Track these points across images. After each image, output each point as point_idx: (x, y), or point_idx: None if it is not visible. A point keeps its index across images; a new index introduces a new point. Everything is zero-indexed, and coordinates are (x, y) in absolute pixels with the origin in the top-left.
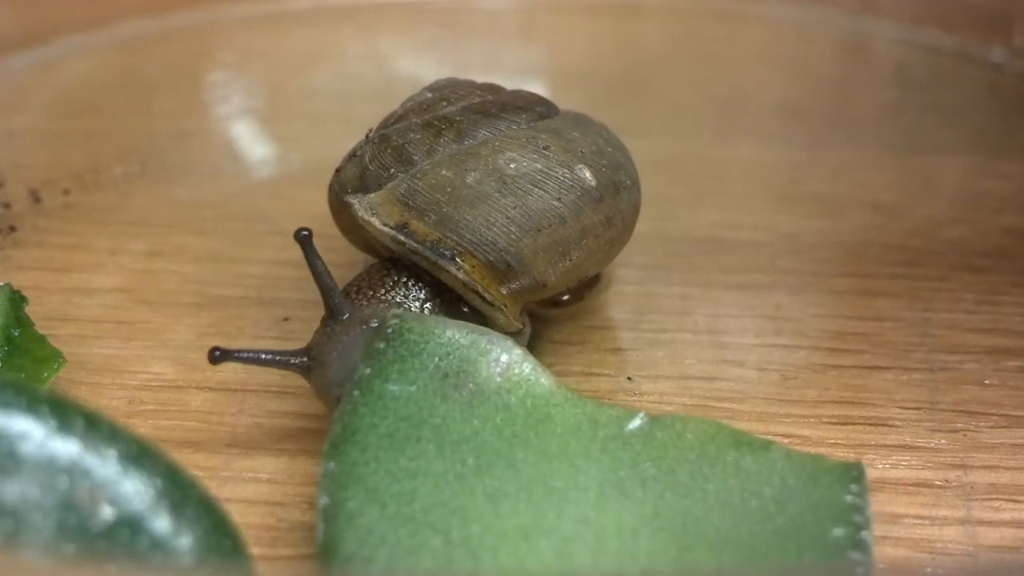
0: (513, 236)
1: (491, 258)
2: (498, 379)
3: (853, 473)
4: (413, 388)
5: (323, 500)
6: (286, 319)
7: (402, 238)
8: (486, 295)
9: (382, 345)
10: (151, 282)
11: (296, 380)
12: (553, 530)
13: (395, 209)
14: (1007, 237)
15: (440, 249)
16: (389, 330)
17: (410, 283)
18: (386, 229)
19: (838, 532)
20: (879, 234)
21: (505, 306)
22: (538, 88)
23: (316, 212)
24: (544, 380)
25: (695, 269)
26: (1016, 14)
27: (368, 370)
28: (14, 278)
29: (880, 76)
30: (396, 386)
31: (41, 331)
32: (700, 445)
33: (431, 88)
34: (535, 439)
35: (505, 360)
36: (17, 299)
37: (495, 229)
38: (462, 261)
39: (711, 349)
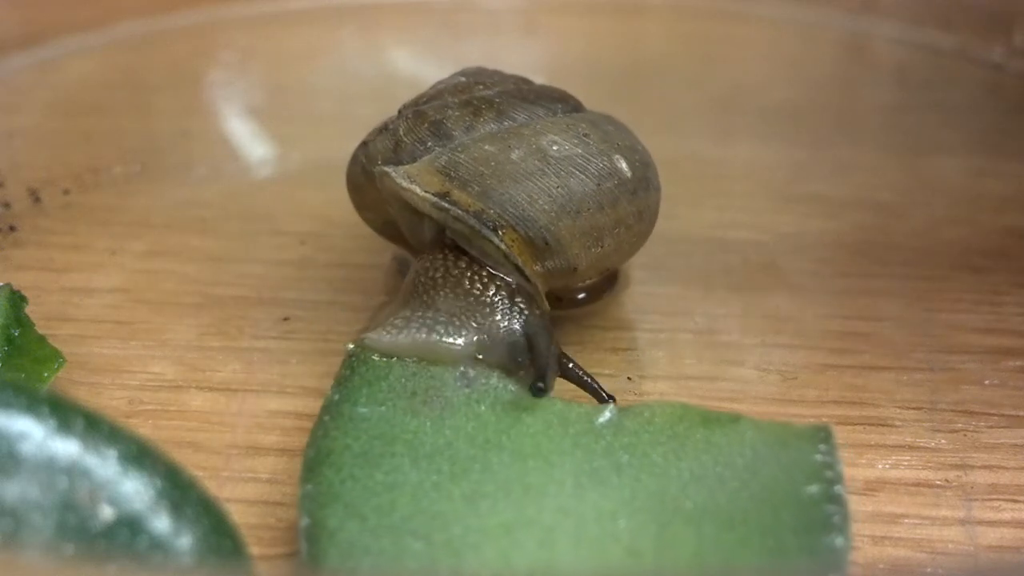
0: (553, 215)
1: (531, 234)
2: (466, 391)
3: (821, 434)
4: (383, 408)
5: (304, 521)
6: (286, 319)
7: (446, 204)
8: (525, 269)
9: (348, 372)
10: (151, 282)
11: (296, 380)
12: (534, 523)
13: (435, 179)
14: (1007, 237)
15: (484, 219)
16: (352, 358)
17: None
18: (428, 195)
19: (812, 489)
20: (879, 234)
21: (537, 284)
22: None
23: (316, 212)
24: (511, 387)
25: (695, 269)
26: (1016, 14)
27: (336, 396)
28: (14, 278)
29: (880, 76)
30: (366, 408)
31: (41, 331)
32: (670, 427)
33: (463, 73)
34: (508, 442)
35: (472, 372)
36: (17, 299)
37: (537, 206)
38: (503, 234)
39: (711, 349)
